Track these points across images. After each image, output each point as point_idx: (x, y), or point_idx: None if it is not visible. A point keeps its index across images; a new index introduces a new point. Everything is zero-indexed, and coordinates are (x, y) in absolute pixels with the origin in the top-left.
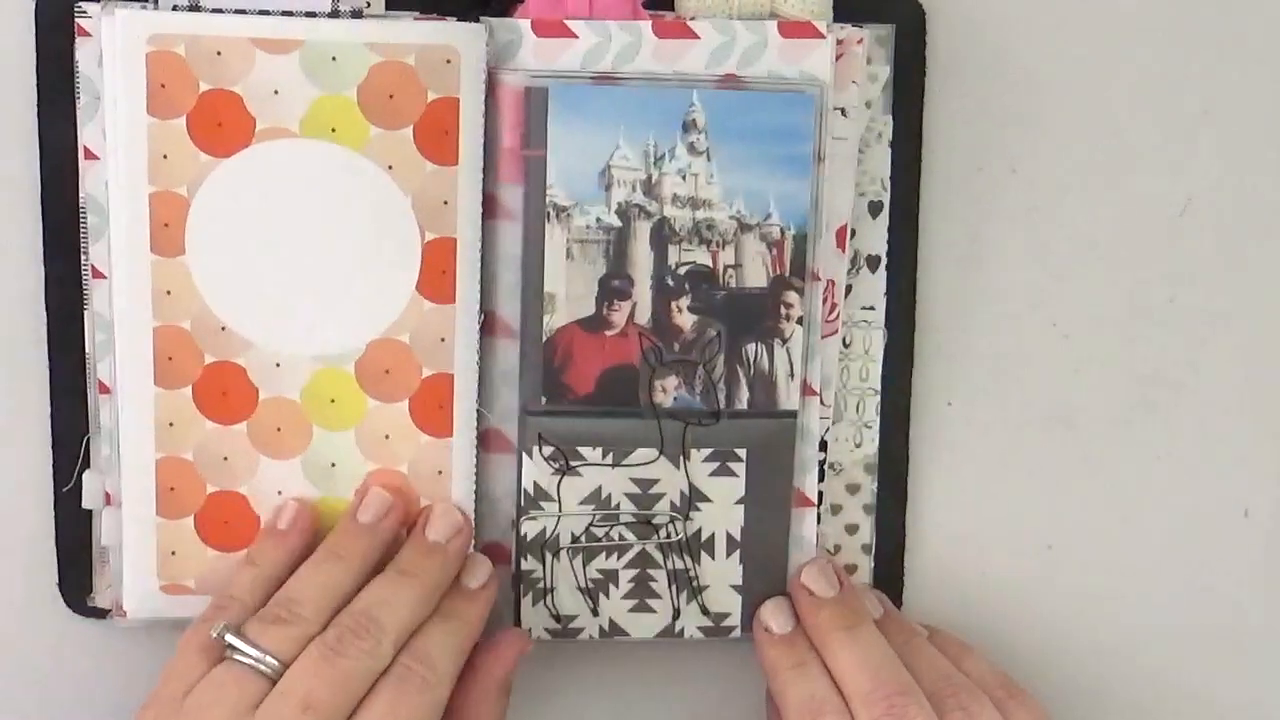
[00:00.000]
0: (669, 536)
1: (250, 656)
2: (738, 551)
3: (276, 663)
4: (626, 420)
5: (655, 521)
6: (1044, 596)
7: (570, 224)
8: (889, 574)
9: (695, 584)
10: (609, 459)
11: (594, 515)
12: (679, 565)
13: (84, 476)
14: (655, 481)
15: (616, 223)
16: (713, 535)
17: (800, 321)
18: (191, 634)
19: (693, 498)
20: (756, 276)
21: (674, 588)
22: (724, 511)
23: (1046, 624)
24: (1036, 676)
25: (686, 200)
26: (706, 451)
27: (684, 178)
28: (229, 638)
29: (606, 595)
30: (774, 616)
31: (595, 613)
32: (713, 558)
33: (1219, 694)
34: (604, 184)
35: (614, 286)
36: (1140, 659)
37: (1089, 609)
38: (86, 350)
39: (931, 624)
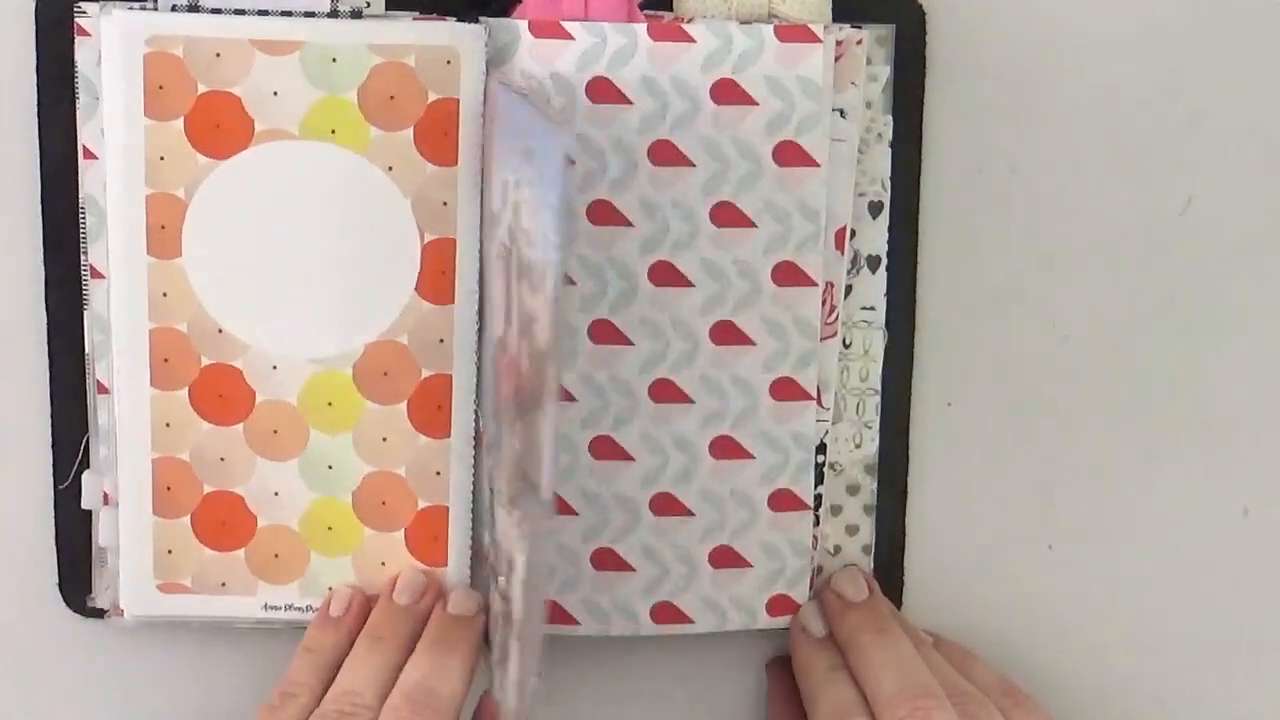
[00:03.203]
0: None
1: None
2: None
3: None
4: None
5: None
6: (1044, 596)
7: None
8: (889, 574)
9: None
10: None
11: None
12: None
13: (83, 477)
14: None
15: None
16: None
17: None
18: None
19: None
20: None
21: None
22: None
23: (1046, 624)
24: (1037, 676)
25: None
26: None
27: None
28: None
29: None
30: (812, 619)
31: None
32: None
33: (1219, 694)
34: None
35: None
36: (1140, 659)
37: (1089, 609)
38: (86, 350)
39: (931, 624)
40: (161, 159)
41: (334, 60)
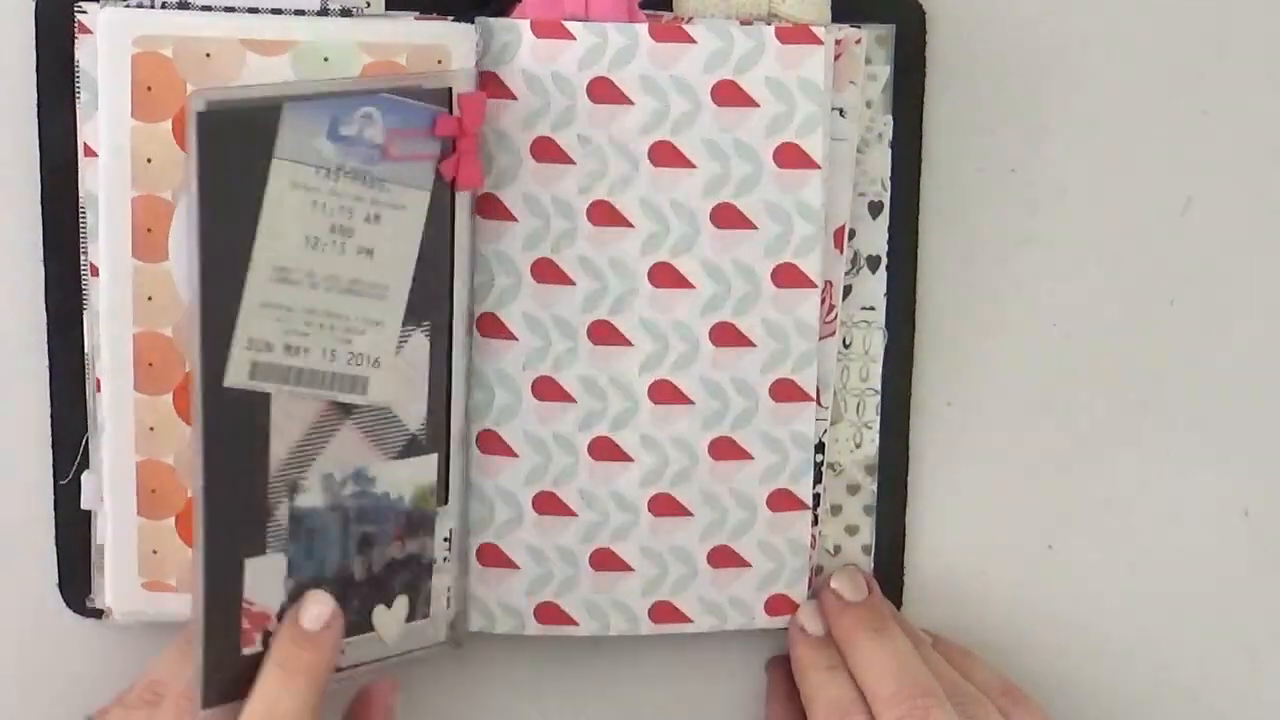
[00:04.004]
0: None
1: None
2: None
3: None
4: None
5: None
6: (1044, 597)
7: None
8: (889, 574)
9: None
10: None
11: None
12: None
13: (83, 476)
14: None
15: None
16: None
17: None
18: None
19: None
20: None
21: None
22: None
23: (1047, 624)
24: (1036, 676)
25: None
26: None
27: None
28: None
29: None
30: (810, 618)
31: None
32: None
33: (1219, 694)
34: None
35: None
36: (1140, 659)
37: (1089, 609)
38: (86, 349)
39: (931, 624)
40: (149, 161)
41: (325, 60)
